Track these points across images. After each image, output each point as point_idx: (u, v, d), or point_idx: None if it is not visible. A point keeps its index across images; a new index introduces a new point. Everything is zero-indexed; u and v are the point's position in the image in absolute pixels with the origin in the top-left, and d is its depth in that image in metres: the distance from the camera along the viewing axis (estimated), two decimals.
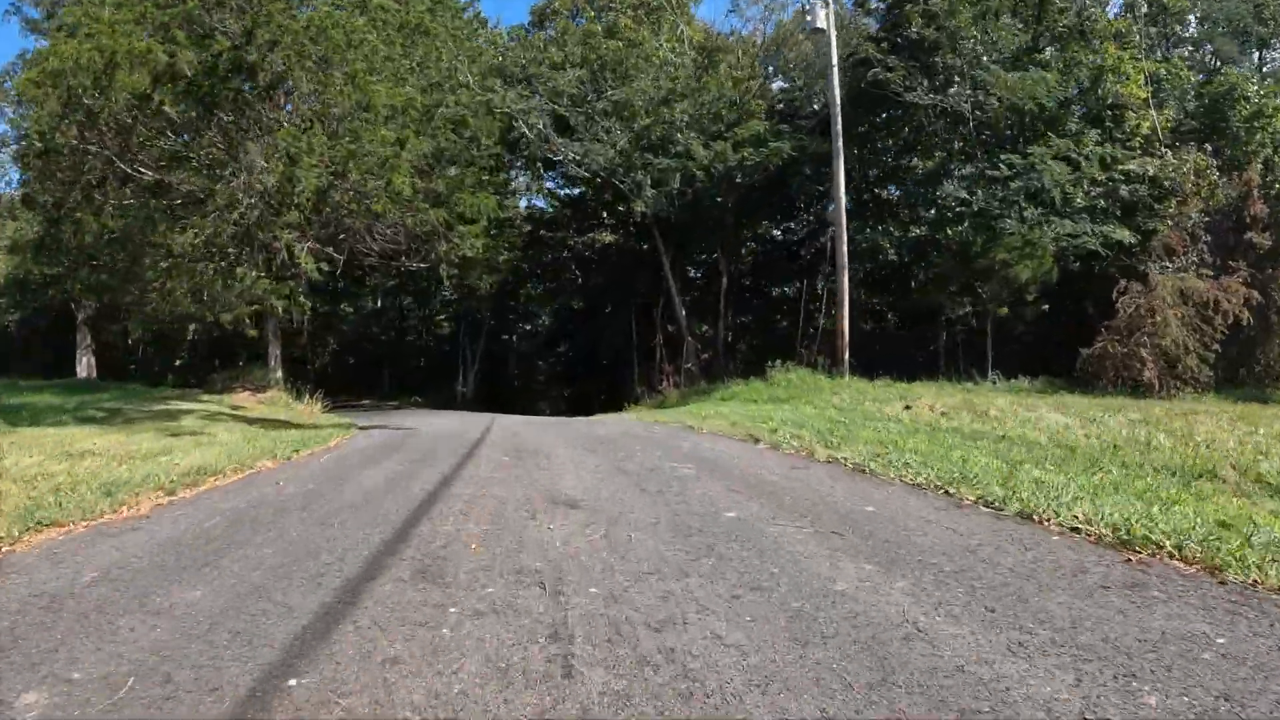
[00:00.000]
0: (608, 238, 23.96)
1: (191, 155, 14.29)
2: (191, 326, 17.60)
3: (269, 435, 8.71)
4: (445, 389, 31.55)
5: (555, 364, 37.47)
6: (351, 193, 15.11)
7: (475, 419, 14.85)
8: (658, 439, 8.69)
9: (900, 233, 21.81)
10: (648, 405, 20.54)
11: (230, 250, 13.84)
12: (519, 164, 26.78)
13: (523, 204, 29.82)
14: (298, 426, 10.71)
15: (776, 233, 27.74)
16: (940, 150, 23.27)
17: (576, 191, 28.63)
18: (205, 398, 16.18)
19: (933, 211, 21.66)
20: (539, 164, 27.10)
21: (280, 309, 18.11)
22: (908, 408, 11.60)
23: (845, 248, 18.95)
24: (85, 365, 22.15)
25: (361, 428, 12.05)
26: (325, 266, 15.83)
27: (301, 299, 30.40)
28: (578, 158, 19.10)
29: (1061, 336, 23.31)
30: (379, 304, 34.64)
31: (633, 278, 26.04)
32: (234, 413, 13.19)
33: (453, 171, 17.26)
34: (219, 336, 28.69)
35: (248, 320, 15.19)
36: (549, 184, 29.50)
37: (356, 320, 35.77)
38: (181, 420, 10.56)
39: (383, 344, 36.63)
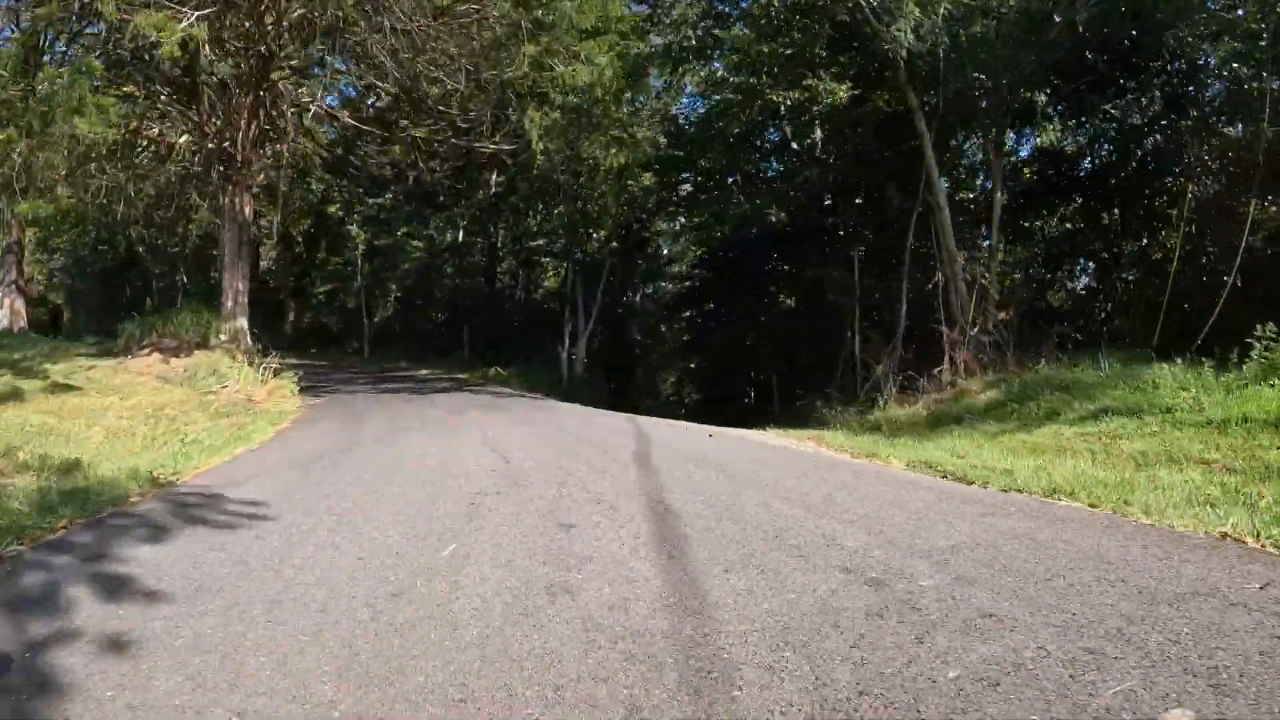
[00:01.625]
0: (842, 91, 13.53)
1: None
2: None
3: None
4: (548, 355, 22.58)
5: (690, 325, 27.73)
6: None
7: (572, 455, 5.69)
8: None
9: None
10: (911, 406, 10.68)
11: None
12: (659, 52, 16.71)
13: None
14: None
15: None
16: None
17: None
18: (55, 366, 7.99)
19: None
20: (695, 30, 16.74)
21: (245, 205, 9.65)
22: None
23: None
24: (8, 311, 14.60)
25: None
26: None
27: (355, 229, 21.85)
28: None
29: None
30: (459, 237, 25.58)
31: (864, 172, 15.59)
32: None
33: None
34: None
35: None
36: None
37: (429, 257, 27.06)
38: None
39: (464, 292, 27.85)
